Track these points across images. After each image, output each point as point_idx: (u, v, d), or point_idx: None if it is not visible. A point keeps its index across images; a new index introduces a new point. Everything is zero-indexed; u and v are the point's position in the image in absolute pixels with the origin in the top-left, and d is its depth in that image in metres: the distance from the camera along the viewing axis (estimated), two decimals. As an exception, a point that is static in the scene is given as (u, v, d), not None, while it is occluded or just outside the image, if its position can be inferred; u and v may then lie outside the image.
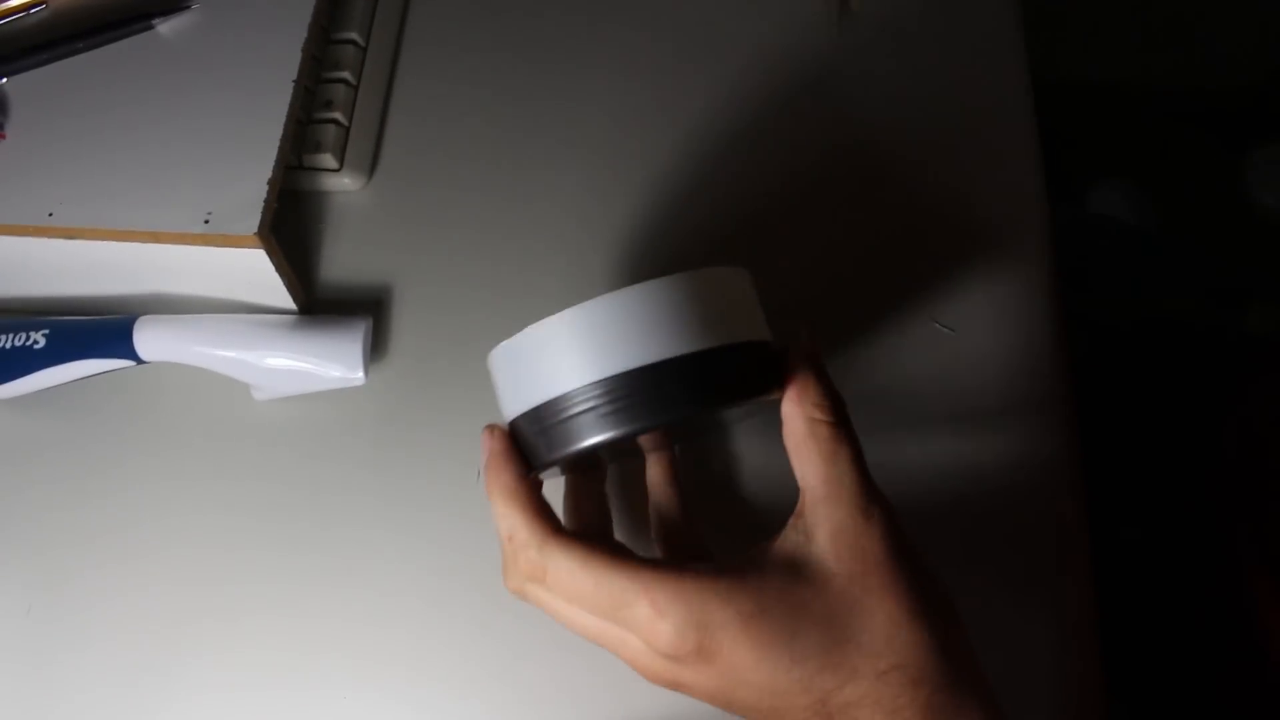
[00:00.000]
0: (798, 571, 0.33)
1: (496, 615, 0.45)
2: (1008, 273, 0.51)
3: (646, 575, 0.33)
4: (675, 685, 0.35)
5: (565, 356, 0.34)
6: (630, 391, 0.33)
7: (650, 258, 0.51)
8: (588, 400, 0.34)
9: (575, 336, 0.34)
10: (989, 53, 0.56)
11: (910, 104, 0.54)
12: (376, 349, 0.50)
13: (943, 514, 0.46)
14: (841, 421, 0.35)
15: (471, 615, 0.45)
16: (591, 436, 0.34)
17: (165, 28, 0.50)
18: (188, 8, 0.51)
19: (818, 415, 0.34)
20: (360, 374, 0.47)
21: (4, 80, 0.49)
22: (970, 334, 0.49)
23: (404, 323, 0.50)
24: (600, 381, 0.34)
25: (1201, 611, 0.55)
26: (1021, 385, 0.48)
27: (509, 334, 0.51)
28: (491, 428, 0.38)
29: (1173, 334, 0.73)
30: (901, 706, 0.32)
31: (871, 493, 0.34)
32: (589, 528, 0.42)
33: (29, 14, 0.51)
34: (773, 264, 0.51)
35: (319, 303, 0.51)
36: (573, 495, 0.42)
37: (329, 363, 0.47)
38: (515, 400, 0.37)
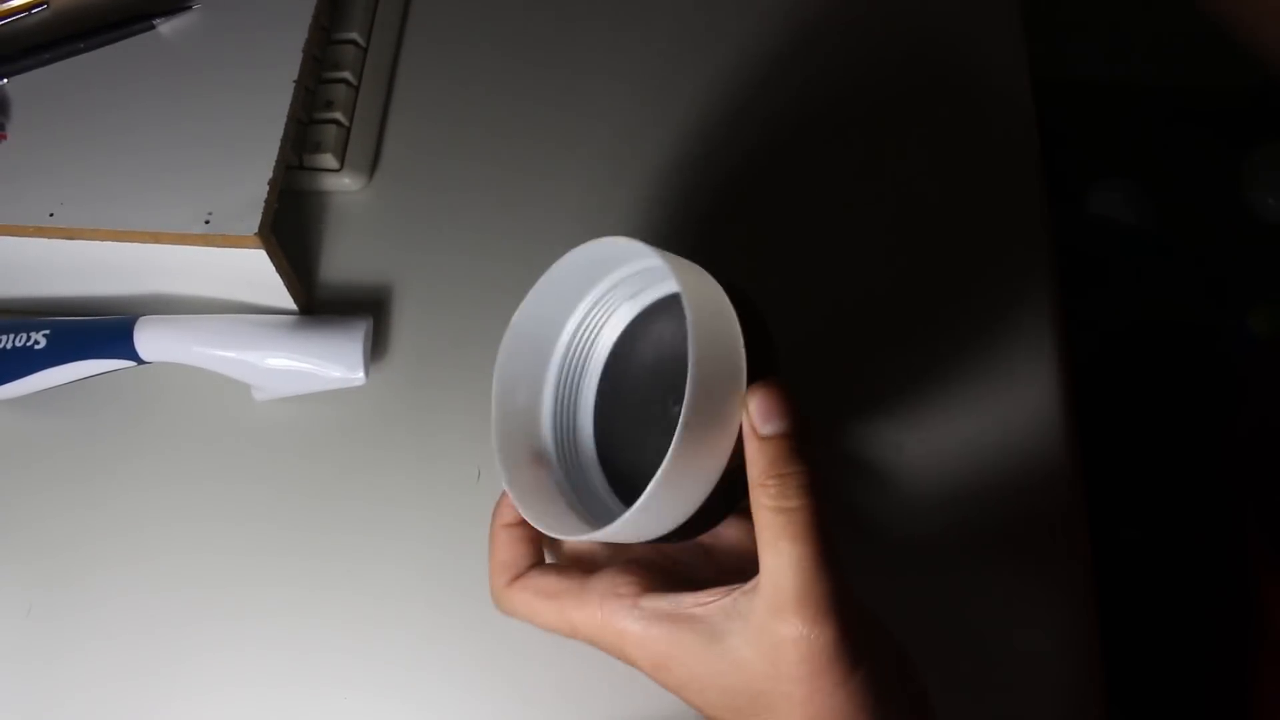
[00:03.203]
0: (716, 642, 0.32)
1: (496, 615, 0.45)
2: (1009, 271, 0.51)
3: (575, 618, 0.36)
4: None
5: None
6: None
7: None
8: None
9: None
10: (989, 53, 0.56)
11: (910, 104, 0.54)
12: (377, 349, 0.50)
13: (941, 515, 0.46)
14: (789, 507, 0.30)
15: (471, 615, 0.45)
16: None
17: (166, 28, 0.50)
18: (189, 8, 0.51)
19: (762, 500, 0.31)
20: (360, 374, 0.47)
21: (5, 80, 0.49)
22: (971, 338, 0.49)
23: (404, 323, 0.50)
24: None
25: (1203, 615, 0.55)
26: (1021, 385, 0.48)
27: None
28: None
29: (1174, 335, 0.73)
30: None
31: (808, 607, 0.30)
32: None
33: (30, 14, 0.51)
34: (773, 264, 0.51)
35: (319, 303, 0.51)
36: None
37: (329, 363, 0.47)
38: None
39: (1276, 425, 0.51)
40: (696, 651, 0.32)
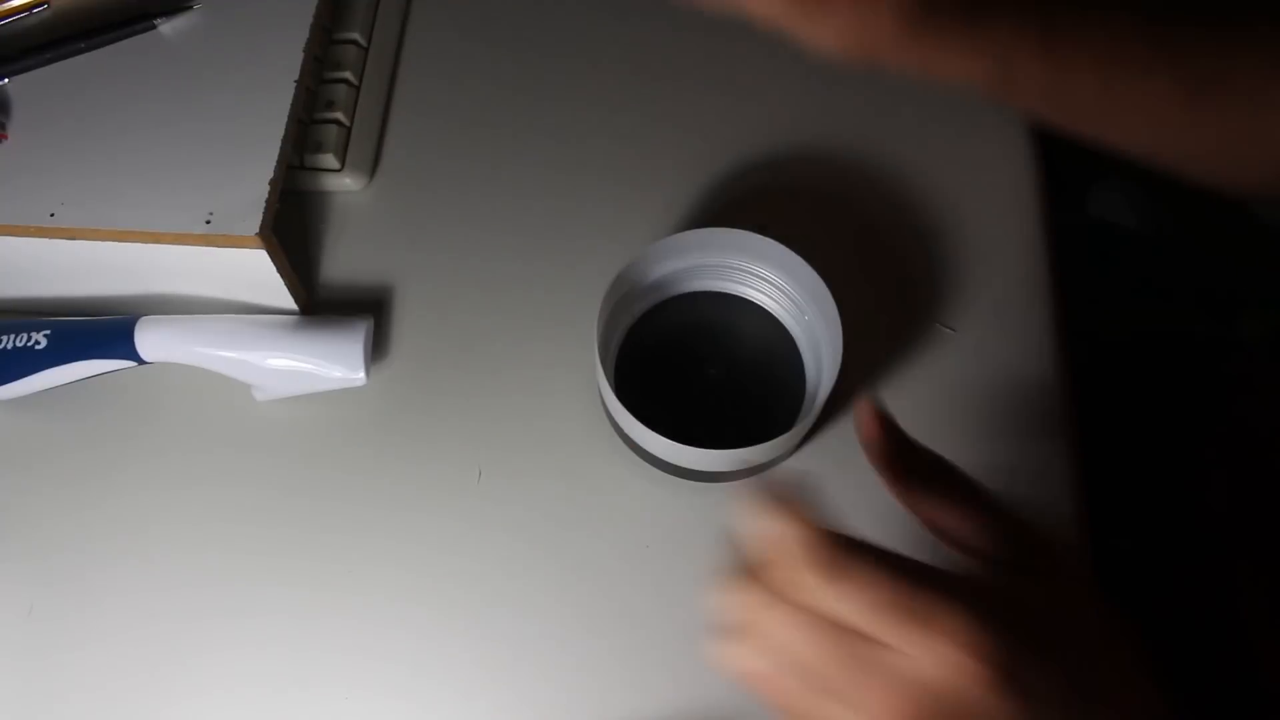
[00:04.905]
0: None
1: (496, 615, 0.45)
2: (1008, 277, 0.51)
3: (956, 578, 0.28)
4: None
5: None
6: None
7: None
8: None
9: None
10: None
11: (908, 105, 0.54)
12: (377, 349, 0.50)
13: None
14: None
15: (471, 615, 0.45)
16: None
17: (167, 28, 0.50)
18: (189, 8, 0.51)
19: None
20: (361, 374, 0.47)
21: (6, 80, 0.49)
22: (971, 339, 0.49)
23: (405, 323, 0.50)
24: None
25: (1191, 625, 0.55)
26: (1022, 391, 0.48)
27: (510, 335, 0.52)
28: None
29: (1168, 342, 0.73)
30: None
31: None
32: None
33: (31, 14, 0.51)
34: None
35: (320, 303, 0.51)
36: None
37: (330, 363, 0.47)
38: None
39: (1261, 431, 0.51)
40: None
